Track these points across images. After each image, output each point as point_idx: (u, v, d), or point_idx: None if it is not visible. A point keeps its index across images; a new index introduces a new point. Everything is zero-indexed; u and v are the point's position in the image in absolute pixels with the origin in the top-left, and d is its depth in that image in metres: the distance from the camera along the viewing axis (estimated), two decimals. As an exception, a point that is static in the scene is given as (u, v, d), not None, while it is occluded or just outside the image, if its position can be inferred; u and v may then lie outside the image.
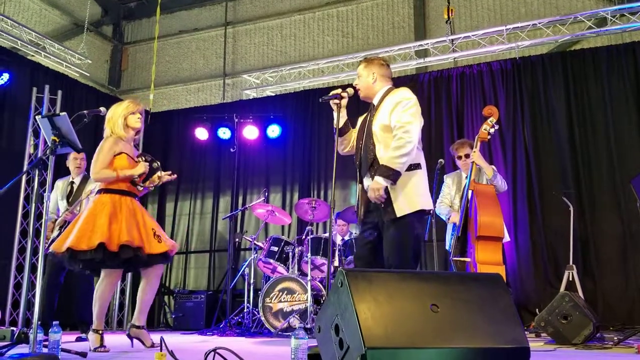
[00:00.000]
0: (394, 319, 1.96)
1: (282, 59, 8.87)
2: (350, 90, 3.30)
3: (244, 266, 6.16)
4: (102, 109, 3.66)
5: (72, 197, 4.99)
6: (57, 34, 8.89)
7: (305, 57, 8.65)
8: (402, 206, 3.05)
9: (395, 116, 3.13)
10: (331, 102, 3.27)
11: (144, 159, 3.84)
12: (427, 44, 7.46)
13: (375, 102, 3.33)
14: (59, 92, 6.59)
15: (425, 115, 6.91)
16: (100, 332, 3.64)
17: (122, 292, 7.42)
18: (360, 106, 3.47)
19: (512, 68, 6.62)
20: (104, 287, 3.70)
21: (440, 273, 2.35)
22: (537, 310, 4.95)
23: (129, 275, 7.46)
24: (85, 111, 3.39)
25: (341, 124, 3.28)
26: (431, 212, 3.32)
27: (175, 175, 3.99)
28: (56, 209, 5.06)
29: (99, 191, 3.75)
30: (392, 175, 3.05)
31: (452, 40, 7.27)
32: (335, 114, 3.27)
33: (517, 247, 6.09)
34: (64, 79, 7.40)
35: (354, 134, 3.44)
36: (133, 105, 3.87)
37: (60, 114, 2.99)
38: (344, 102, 3.27)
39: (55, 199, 5.08)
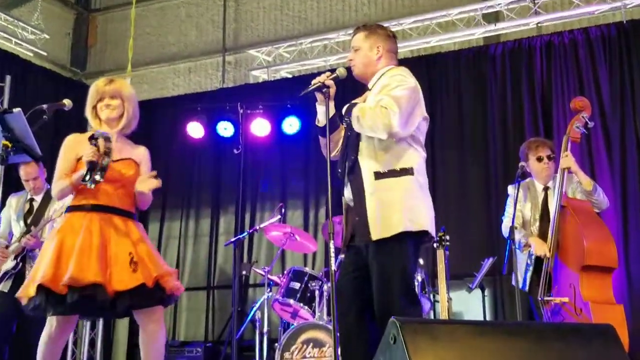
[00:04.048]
0: (469, 390, 1.95)
1: (302, 27, 8.90)
2: (342, 71, 3.31)
3: (255, 309, 6.17)
4: (67, 101, 3.60)
5: (33, 217, 5.06)
6: (2, 1, 9.07)
7: (333, 24, 8.67)
8: (392, 223, 3.16)
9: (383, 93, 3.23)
10: (317, 94, 3.32)
11: (94, 141, 3.42)
12: (500, 4, 7.42)
13: (370, 85, 3.46)
14: (7, 78, 6.72)
15: (499, 100, 6.94)
16: None
17: (92, 344, 7.50)
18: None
19: (618, 35, 6.55)
20: (47, 341, 3.58)
21: (530, 324, 2.34)
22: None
23: (100, 322, 7.54)
24: (44, 105, 3.40)
25: (324, 122, 3.29)
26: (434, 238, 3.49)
27: (160, 181, 3.63)
28: (8, 233, 5.15)
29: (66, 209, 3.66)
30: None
31: (534, -2, 7.23)
32: (319, 108, 3.36)
33: (629, 280, 6.00)
34: (14, 60, 7.53)
35: (343, 131, 3.52)
36: (102, 84, 3.64)
37: (14, 110, 3.05)
38: (332, 91, 3.31)
39: (8, 219, 5.16)
